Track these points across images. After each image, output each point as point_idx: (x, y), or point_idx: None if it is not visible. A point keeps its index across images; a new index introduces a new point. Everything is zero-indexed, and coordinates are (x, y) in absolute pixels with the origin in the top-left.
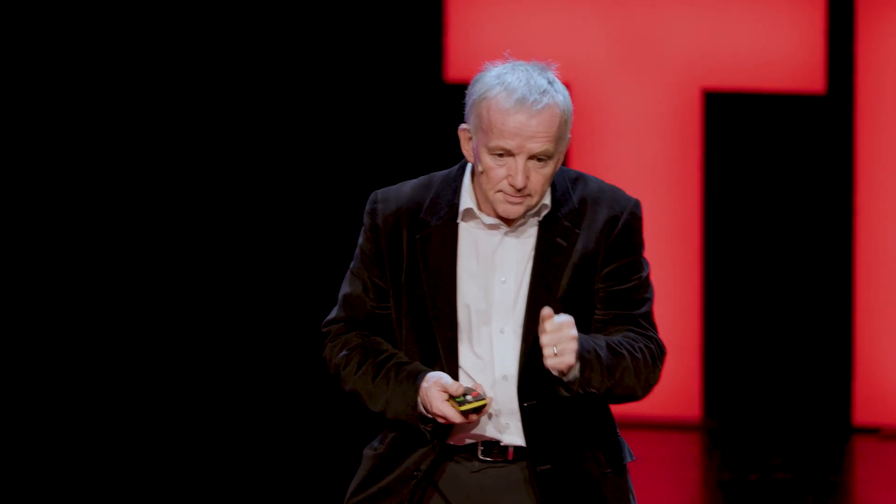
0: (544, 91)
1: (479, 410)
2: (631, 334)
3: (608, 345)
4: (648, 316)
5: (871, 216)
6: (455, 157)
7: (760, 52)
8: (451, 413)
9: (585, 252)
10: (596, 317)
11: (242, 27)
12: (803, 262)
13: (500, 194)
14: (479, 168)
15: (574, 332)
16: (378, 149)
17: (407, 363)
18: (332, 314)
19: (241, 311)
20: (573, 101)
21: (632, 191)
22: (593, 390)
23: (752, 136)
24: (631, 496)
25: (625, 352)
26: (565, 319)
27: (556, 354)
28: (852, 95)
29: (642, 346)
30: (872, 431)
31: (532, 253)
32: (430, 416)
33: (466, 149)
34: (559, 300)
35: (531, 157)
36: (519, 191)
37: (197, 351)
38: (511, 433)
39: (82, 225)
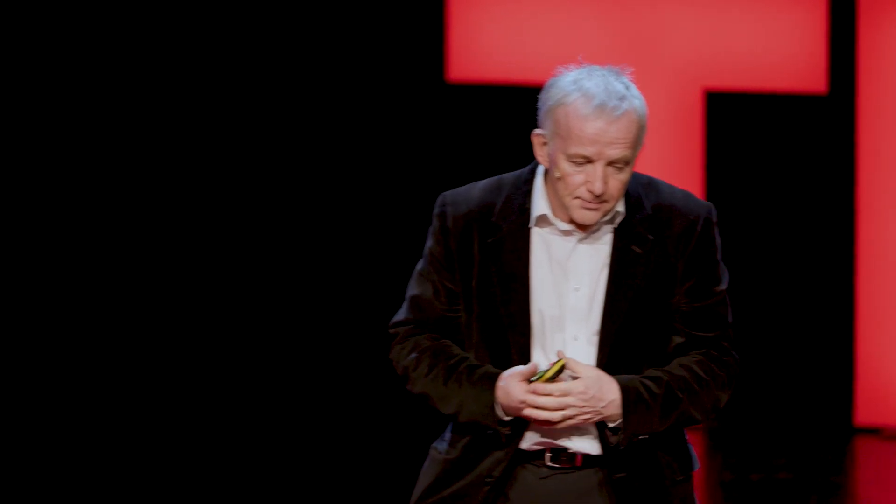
0: (622, 97)
1: (560, 371)
2: (704, 362)
3: (668, 388)
4: (728, 335)
5: (872, 216)
6: (457, 158)
7: (762, 53)
8: (539, 398)
9: (662, 260)
10: (676, 338)
11: (243, 27)
12: (805, 263)
13: (577, 200)
14: (556, 174)
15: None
16: (380, 149)
17: (479, 366)
18: (401, 316)
19: (244, 311)
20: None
21: None
22: (643, 437)
23: (754, 137)
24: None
25: (685, 395)
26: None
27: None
28: (854, 96)
29: (711, 378)
30: (874, 432)
31: (607, 261)
32: (507, 418)
33: (540, 154)
34: (634, 309)
35: (609, 163)
36: (597, 197)
37: (198, 351)
38: (583, 440)
39: (83, 225)
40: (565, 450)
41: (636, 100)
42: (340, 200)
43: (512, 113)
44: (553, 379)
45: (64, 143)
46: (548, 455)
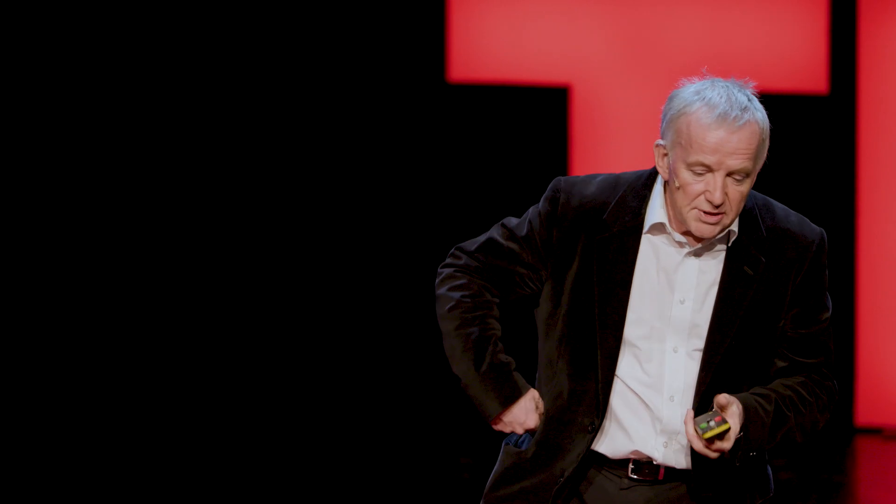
0: (745, 108)
1: (722, 436)
2: (807, 384)
3: (777, 407)
4: (829, 362)
5: (873, 216)
6: (458, 158)
7: (763, 53)
8: (534, 421)
9: (772, 285)
10: (779, 362)
11: (244, 27)
12: None
13: (694, 211)
14: (676, 184)
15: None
16: (381, 149)
17: (506, 363)
18: (471, 247)
19: (245, 310)
20: (574, 102)
21: None
22: (752, 453)
23: None
24: None
25: (792, 413)
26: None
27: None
28: (855, 95)
29: (814, 400)
30: (875, 432)
31: (717, 278)
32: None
33: (661, 165)
34: (741, 330)
35: (729, 174)
36: (717, 207)
37: (197, 351)
38: (669, 453)
39: (83, 225)
40: (650, 462)
41: (759, 112)
42: (341, 200)
43: (513, 113)
44: (713, 438)
45: (64, 144)
46: (630, 466)
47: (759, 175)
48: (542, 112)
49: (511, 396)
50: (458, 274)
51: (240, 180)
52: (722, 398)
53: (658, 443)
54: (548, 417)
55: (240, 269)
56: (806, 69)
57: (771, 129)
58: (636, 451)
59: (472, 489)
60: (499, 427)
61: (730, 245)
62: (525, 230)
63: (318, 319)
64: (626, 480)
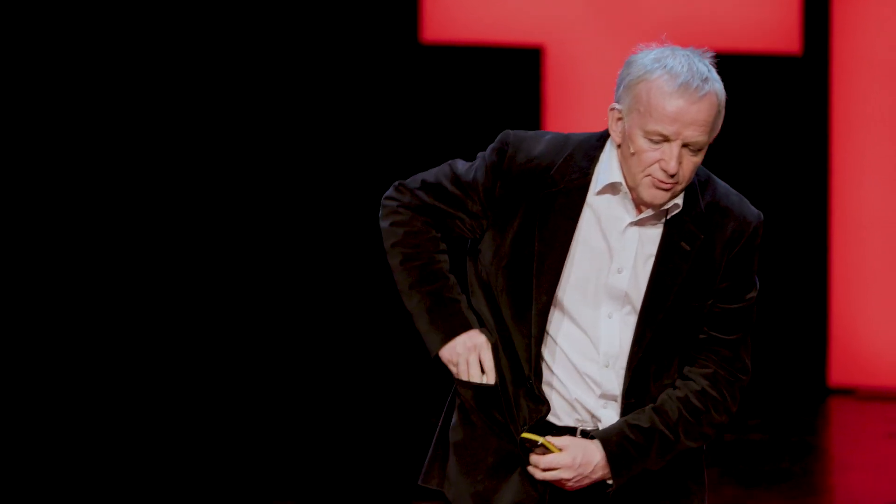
0: (706, 78)
1: (540, 446)
2: (702, 390)
3: (660, 436)
4: (746, 341)
5: (846, 176)
6: (431, 118)
7: (736, 13)
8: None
9: (707, 262)
10: (700, 334)
11: None
12: (779, 224)
13: (648, 178)
14: (630, 149)
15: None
16: (354, 110)
17: (457, 299)
18: (416, 184)
19: (226, 297)
20: (547, 64)
21: None
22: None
23: (729, 98)
24: (705, 481)
25: (680, 429)
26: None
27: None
28: (828, 56)
29: (710, 406)
30: (848, 392)
31: (654, 251)
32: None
33: (615, 129)
34: (672, 304)
35: (685, 145)
36: (671, 177)
37: (195, 350)
38: (607, 419)
39: (82, 225)
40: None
41: (717, 83)
42: (314, 164)
43: (486, 74)
44: (536, 444)
45: (64, 144)
46: (579, 434)
47: (736, 135)
48: (515, 73)
49: (454, 331)
50: (402, 210)
51: (209, 144)
52: (564, 440)
53: (598, 404)
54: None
55: (213, 239)
56: (779, 30)
57: (742, 91)
58: (584, 411)
59: None
60: (446, 362)
61: (668, 219)
62: (471, 177)
63: (289, 281)
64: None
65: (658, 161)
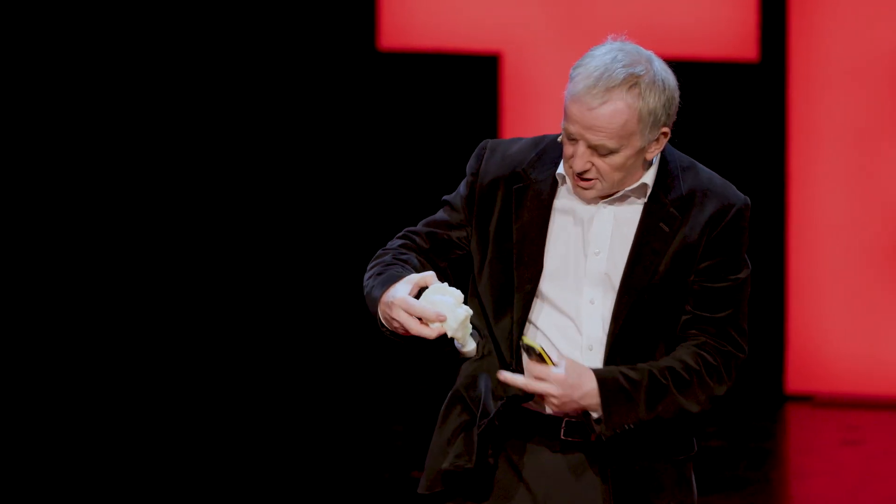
0: (613, 88)
1: (537, 355)
2: (696, 351)
3: (651, 377)
4: (735, 320)
5: (804, 184)
6: (389, 126)
7: (694, 21)
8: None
9: (687, 242)
10: (684, 314)
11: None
12: None
13: (570, 171)
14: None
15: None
16: (311, 117)
17: (402, 272)
18: (413, 226)
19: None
20: (505, 71)
21: None
22: (629, 427)
23: (686, 105)
24: (693, 487)
25: (670, 381)
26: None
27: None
28: (785, 63)
29: (703, 366)
30: (805, 399)
31: (632, 232)
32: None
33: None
34: (653, 285)
35: (591, 147)
36: (579, 175)
37: (194, 350)
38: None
39: (82, 225)
40: (582, 425)
41: (630, 93)
42: (270, 170)
43: (443, 81)
44: (539, 359)
45: (64, 143)
46: (563, 429)
47: (690, 143)
48: (472, 80)
49: (374, 304)
50: (380, 250)
51: (168, 152)
52: (564, 360)
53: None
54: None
55: (180, 235)
56: (736, 37)
57: (700, 98)
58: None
59: (404, 456)
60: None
61: (647, 200)
62: (455, 194)
63: (249, 286)
64: (556, 443)
65: (570, 158)
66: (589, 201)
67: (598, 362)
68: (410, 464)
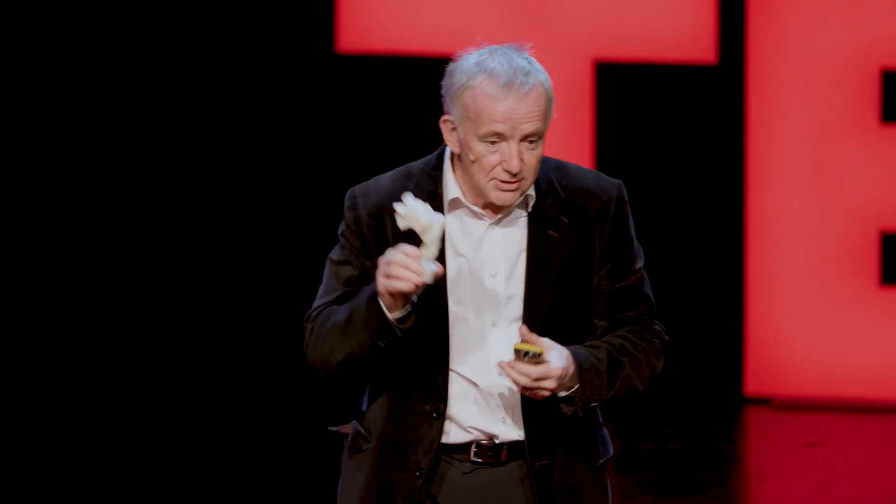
0: (527, 72)
1: (535, 356)
2: (634, 331)
3: (609, 354)
4: (650, 309)
5: (762, 186)
6: (347, 129)
7: (652, 23)
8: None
9: (578, 243)
10: (600, 322)
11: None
12: (695, 233)
13: (493, 181)
14: (470, 157)
15: (549, 383)
16: (268, 120)
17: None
18: (313, 306)
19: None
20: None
21: None
22: (594, 404)
23: (644, 107)
24: (609, 491)
25: (626, 358)
26: (541, 371)
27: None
28: (743, 65)
29: (645, 344)
30: (764, 402)
31: (523, 245)
32: (395, 315)
33: (451, 140)
34: (556, 294)
35: (522, 139)
36: (514, 175)
37: (189, 349)
38: (508, 427)
39: (82, 225)
40: (491, 444)
41: (541, 73)
42: (227, 173)
43: (402, 84)
44: (530, 356)
45: (63, 143)
46: (473, 450)
47: (652, 144)
48: (431, 83)
49: (362, 298)
50: (308, 332)
51: (127, 158)
52: (546, 341)
53: (496, 419)
54: (386, 411)
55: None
56: (695, 39)
57: (658, 101)
58: (479, 431)
59: None
60: (393, 295)
61: (530, 211)
62: (343, 251)
63: (237, 281)
64: (468, 464)
65: (500, 163)
66: (481, 218)
67: (509, 384)
68: None
